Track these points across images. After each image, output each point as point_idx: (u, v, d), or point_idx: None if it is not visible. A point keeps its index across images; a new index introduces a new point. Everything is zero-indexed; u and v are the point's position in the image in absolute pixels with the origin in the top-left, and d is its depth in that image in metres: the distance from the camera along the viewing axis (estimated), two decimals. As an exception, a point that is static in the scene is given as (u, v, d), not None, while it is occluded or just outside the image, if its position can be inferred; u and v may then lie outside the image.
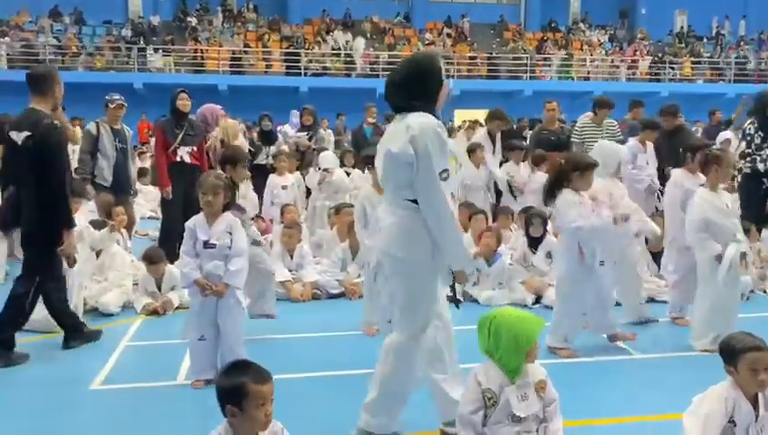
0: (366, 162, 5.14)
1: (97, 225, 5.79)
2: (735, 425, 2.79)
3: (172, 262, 6.14)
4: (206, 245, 4.02)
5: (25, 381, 4.20)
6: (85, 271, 5.48)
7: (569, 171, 4.50)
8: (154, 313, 5.57)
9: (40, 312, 5.11)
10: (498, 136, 7.97)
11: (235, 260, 4.05)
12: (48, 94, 4.52)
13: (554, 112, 8.20)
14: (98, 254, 5.90)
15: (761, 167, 6.61)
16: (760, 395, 2.80)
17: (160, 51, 22.16)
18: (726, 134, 10.78)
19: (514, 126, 10.99)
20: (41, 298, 4.82)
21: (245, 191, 5.10)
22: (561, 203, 4.48)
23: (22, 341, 4.97)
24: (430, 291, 3.13)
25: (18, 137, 4.39)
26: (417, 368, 3.17)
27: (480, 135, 7.96)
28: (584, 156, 4.86)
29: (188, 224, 4.08)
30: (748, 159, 6.66)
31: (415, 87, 3.07)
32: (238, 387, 2.36)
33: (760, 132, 6.65)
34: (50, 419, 3.65)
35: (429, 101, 3.08)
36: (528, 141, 8.31)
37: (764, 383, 2.74)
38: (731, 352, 2.82)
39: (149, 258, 5.77)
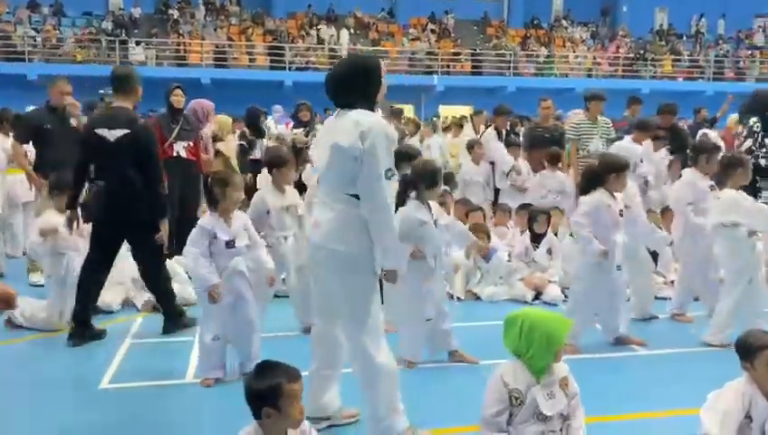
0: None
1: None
2: (752, 420, 2.86)
3: (168, 257, 6.10)
4: (228, 245, 4.00)
5: (34, 382, 4.14)
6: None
7: (605, 173, 4.53)
8: (155, 309, 5.53)
9: (44, 310, 5.08)
10: (504, 132, 8.02)
11: (262, 251, 4.21)
12: (132, 93, 4.83)
13: (549, 110, 8.26)
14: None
15: (762, 162, 6.76)
16: (774, 392, 2.87)
17: (142, 44, 21.87)
18: (705, 130, 11.06)
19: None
20: (52, 294, 5.05)
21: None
22: (588, 202, 4.51)
23: (21, 340, 4.93)
24: (376, 285, 3.17)
25: (111, 134, 4.64)
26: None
27: (489, 132, 7.99)
28: (618, 156, 4.85)
29: (204, 224, 4.02)
30: (751, 155, 6.79)
31: (359, 85, 3.13)
32: (274, 387, 2.37)
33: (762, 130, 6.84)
34: (63, 419, 3.61)
35: (369, 100, 3.15)
36: (522, 138, 8.36)
37: None
38: (748, 349, 2.88)
39: None
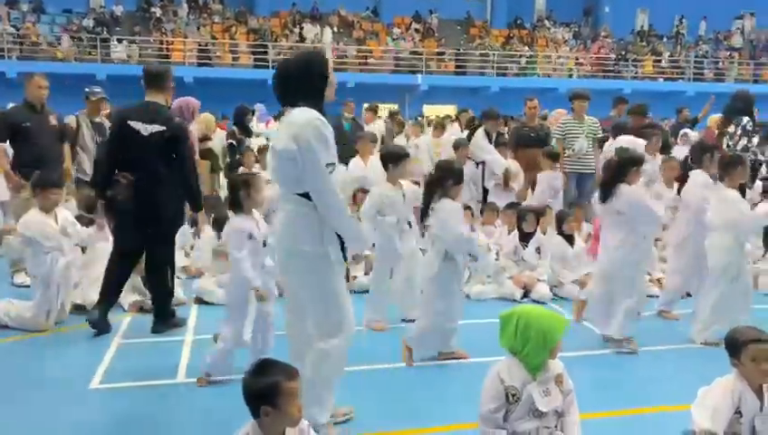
0: (384, 160, 5.24)
1: (83, 221, 5.65)
2: (742, 416, 2.91)
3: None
4: (265, 244, 4.04)
5: (24, 382, 4.10)
6: (73, 268, 5.35)
7: (627, 166, 4.59)
8: (142, 310, 5.49)
9: (29, 310, 5.02)
10: (494, 135, 8.05)
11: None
12: (165, 90, 4.92)
13: (535, 110, 8.32)
14: (83, 250, 5.77)
15: (750, 157, 6.92)
16: (765, 387, 2.93)
17: (124, 41, 21.66)
18: (686, 130, 11.24)
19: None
20: (37, 294, 5.02)
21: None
22: (637, 195, 4.56)
23: (9, 339, 4.87)
24: (339, 283, 3.20)
25: (145, 129, 4.68)
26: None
27: (479, 134, 8.03)
28: (634, 151, 4.92)
29: (242, 226, 3.99)
30: (748, 152, 6.94)
31: (303, 83, 3.15)
32: (272, 386, 2.37)
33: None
34: (53, 419, 3.58)
35: (316, 97, 3.17)
36: (508, 138, 8.40)
37: (767, 373, 2.86)
38: (735, 345, 2.94)
39: None
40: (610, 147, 6.49)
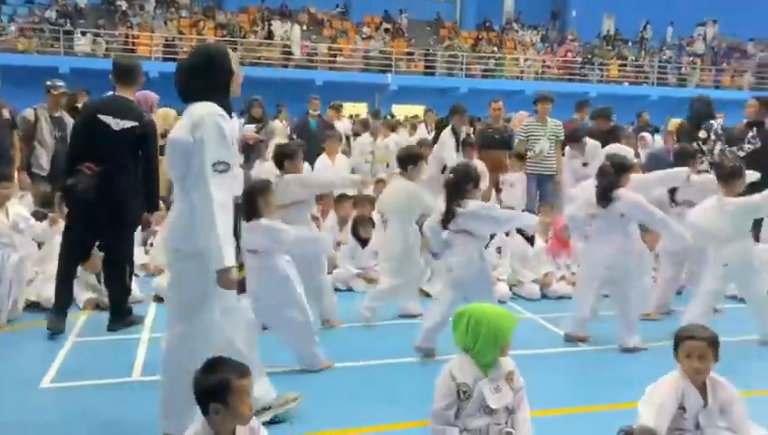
0: (403, 161, 5.33)
1: (38, 216, 5.54)
2: (685, 411, 2.99)
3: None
4: None
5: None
6: (27, 264, 5.24)
7: (622, 171, 4.71)
8: (97, 307, 5.40)
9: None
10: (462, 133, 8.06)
11: None
12: (134, 85, 4.85)
13: (500, 111, 8.41)
14: (39, 245, 5.66)
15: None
16: (708, 384, 3.00)
17: (88, 34, 21.25)
18: (643, 134, 11.52)
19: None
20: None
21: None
22: (637, 198, 4.66)
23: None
24: (211, 286, 3.00)
25: (117, 124, 4.58)
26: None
27: (446, 133, 8.05)
28: (623, 157, 5.03)
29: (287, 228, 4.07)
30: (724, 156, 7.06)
31: (204, 77, 3.07)
32: (223, 383, 2.36)
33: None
34: (2, 419, 3.51)
35: (220, 91, 3.08)
36: (474, 139, 8.46)
37: (698, 371, 2.92)
38: (675, 342, 3.02)
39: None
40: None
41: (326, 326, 5.06)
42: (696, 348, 2.91)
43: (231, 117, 3.11)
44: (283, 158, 4.93)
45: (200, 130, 2.92)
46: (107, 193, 4.60)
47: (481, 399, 2.73)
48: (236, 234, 3.02)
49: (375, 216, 6.71)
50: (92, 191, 4.56)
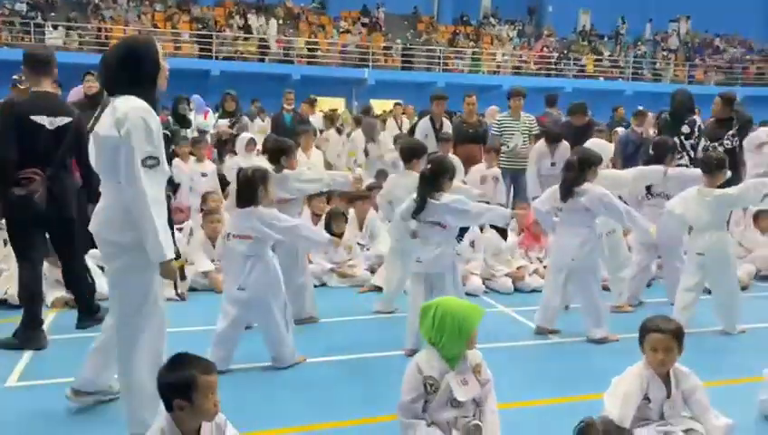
0: (405, 155, 5.37)
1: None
2: (650, 401, 3.04)
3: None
4: None
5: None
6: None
7: (587, 165, 4.75)
8: (66, 305, 5.33)
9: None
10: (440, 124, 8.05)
11: None
12: (51, 77, 4.56)
13: (474, 106, 8.43)
14: (5, 242, 5.55)
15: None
16: (671, 374, 3.05)
17: (60, 27, 20.90)
18: (618, 129, 11.64)
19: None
20: None
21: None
22: (602, 192, 4.70)
23: None
24: (152, 277, 3.07)
25: (51, 123, 4.37)
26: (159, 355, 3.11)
27: (423, 123, 8.04)
28: (592, 151, 5.06)
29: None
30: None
31: (128, 70, 3.03)
32: (187, 379, 2.35)
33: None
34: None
35: (144, 85, 3.06)
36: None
37: (663, 363, 2.98)
38: (640, 334, 3.06)
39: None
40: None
41: (309, 322, 5.09)
42: (661, 341, 2.96)
43: (157, 111, 3.11)
44: (280, 154, 4.87)
45: (126, 126, 2.90)
46: (57, 196, 4.44)
47: (448, 392, 2.74)
48: (171, 226, 3.08)
49: (371, 212, 6.72)
50: (44, 197, 4.37)
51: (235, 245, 4.06)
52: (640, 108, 9.95)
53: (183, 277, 3.14)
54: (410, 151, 5.35)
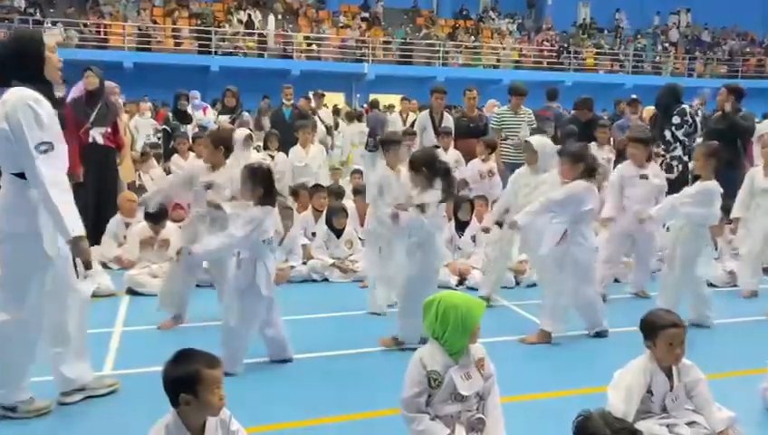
0: (383, 144, 5.32)
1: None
2: (653, 395, 3.04)
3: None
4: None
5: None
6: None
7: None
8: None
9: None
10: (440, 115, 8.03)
11: None
12: None
13: (474, 100, 8.43)
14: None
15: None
16: (674, 368, 3.06)
17: (59, 24, 20.86)
18: (619, 122, 11.64)
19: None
20: None
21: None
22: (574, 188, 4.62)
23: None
24: (41, 265, 3.19)
25: None
26: (30, 343, 3.28)
27: (423, 116, 8.01)
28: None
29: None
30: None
31: (15, 63, 3.13)
32: (192, 374, 2.35)
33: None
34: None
35: (33, 77, 3.15)
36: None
37: (679, 357, 3.00)
38: (651, 329, 3.05)
39: None
40: None
41: None
42: (678, 335, 2.97)
43: (54, 101, 3.18)
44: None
45: (14, 117, 3.01)
46: None
47: (452, 386, 2.74)
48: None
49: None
50: None
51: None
52: (633, 96, 9.99)
53: (88, 267, 3.22)
54: (385, 143, 5.35)
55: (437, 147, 8.01)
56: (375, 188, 5.21)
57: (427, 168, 4.32)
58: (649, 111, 10.99)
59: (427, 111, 8.16)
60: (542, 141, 5.26)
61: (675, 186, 6.15)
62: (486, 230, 5.68)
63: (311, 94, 11.73)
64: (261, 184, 3.98)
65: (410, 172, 4.45)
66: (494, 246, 5.61)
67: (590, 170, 4.67)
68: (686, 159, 7.22)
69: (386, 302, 5.26)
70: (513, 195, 5.29)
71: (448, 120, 8.04)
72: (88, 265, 3.24)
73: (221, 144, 4.89)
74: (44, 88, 3.15)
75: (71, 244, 3.10)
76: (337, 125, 13.81)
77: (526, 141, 5.38)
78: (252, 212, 3.96)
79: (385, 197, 5.11)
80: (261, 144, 8.33)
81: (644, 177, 5.64)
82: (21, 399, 3.34)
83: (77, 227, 3.07)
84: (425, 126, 7.90)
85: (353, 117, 12.10)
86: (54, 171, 3.06)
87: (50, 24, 20.68)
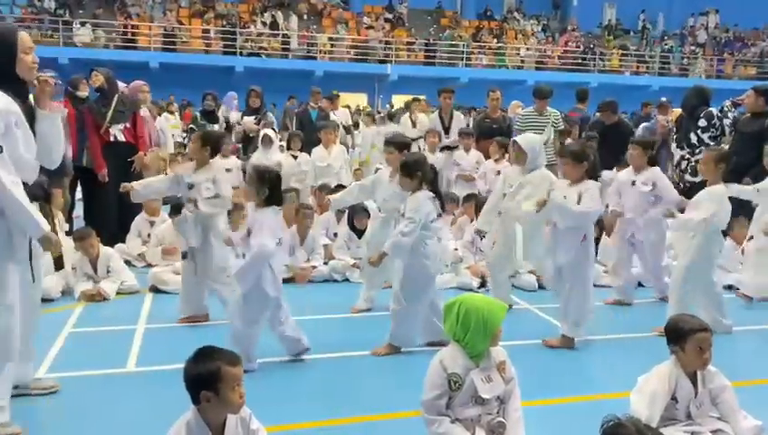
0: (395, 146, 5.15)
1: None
2: (677, 401, 2.99)
3: (107, 245, 6.00)
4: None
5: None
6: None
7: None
8: (92, 299, 5.41)
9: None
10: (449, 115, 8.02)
11: None
12: None
13: (498, 101, 8.38)
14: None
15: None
16: (699, 373, 3.01)
17: (88, 25, 21.20)
18: (646, 124, 11.49)
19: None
20: None
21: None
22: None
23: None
24: (9, 263, 3.09)
25: None
26: None
27: (433, 117, 8.02)
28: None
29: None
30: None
31: None
32: (213, 371, 2.36)
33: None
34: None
35: (3, 74, 3.08)
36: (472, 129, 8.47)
37: (707, 361, 2.95)
38: (679, 333, 2.99)
39: (76, 235, 5.67)
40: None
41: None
42: (707, 339, 2.93)
43: (26, 100, 3.14)
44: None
45: None
46: None
47: (472, 389, 2.73)
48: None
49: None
50: None
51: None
52: (663, 99, 9.85)
53: (60, 266, 3.27)
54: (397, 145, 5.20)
55: (448, 147, 8.01)
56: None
57: (417, 172, 4.29)
58: (675, 112, 10.86)
59: (438, 111, 8.18)
60: (529, 140, 5.16)
61: (699, 189, 6.04)
62: (480, 233, 5.55)
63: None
64: (267, 185, 3.98)
65: (400, 175, 4.39)
66: (491, 251, 5.46)
67: (592, 170, 4.60)
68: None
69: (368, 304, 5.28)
70: (500, 194, 5.21)
71: (459, 120, 7.99)
72: (59, 263, 3.25)
73: (208, 144, 4.86)
74: (15, 87, 3.08)
75: (43, 240, 3.10)
76: (357, 124, 13.81)
77: (514, 141, 5.28)
78: (267, 218, 3.95)
79: (377, 197, 5.16)
80: (284, 144, 8.37)
81: (633, 183, 5.51)
82: None
83: (44, 222, 3.10)
84: (434, 127, 7.93)
85: (374, 118, 12.00)
86: (6, 171, 2.99)
87: (78, 25, 21.03)
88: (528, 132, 7.81)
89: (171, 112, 10.96)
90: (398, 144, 5.09)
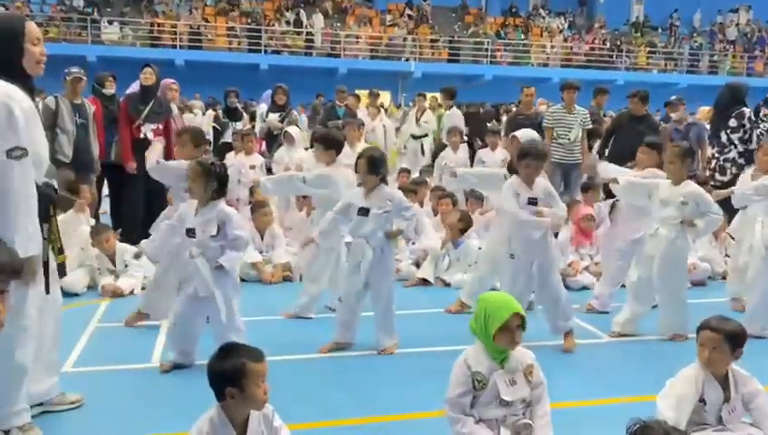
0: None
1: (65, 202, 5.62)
2: (706, 404, 2.92)
3: (130, 241, 6.05)
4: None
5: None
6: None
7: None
8: (115, 294, 5.45)
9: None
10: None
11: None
12: None
13: (531, 98, 8.31)
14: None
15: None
16: (730, 376, 2.93)
17: (115, 23, 21.47)
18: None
19: (480, 111, 11.11)
20: None
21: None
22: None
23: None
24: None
25: None
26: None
27: (453, 114, 8.00)
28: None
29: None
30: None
31: None
32: (238, 367, 2.36)
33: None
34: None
35: (8, 69, 2.84)
36: (504, 125, 8.42)
37: (709, 361, 2.87)
38: (696, 331, 2.96)
39: (92, 231, 5.73)
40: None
41: None
42: (709, 338, 2.87)
43: (32, 96, 2.92)
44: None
45: None
46: None
47: (495, 390, 2.69)
48: (47, 219, 2.93)
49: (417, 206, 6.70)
50: None
51: None
52: (673, 97, 9.72)
53: (63, 274, 3.07)
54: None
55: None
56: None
57: (381, 170, 4.34)
58: (703, 111, 10.65)
59: (451, 108, 8.17)
60: (528, 135, 5.08)
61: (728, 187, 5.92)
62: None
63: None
64: (215, 179, 3.88)
65: (365, 172, 4.32)
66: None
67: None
68: (741, 161, 6.93)
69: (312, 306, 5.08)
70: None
71: (459, 119, 7.89)
72: (62, 271, 3.04)
73: (202, 143, 4.86)
74: (22, 81, 2.87)
75: (30, 261, 2.73)
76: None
77: (513, 136, 5.20)
78: (228, 210, 3.94)
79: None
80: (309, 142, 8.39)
81: None
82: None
83: (30, 247, 2.74)
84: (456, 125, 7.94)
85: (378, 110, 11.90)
86: (23, 182, 2.73)
87: (106, 23, 21.30)
88: (555, 129, 7.77)
89: (193, 112, 10.95)
90: (327, 142, 5.06)
